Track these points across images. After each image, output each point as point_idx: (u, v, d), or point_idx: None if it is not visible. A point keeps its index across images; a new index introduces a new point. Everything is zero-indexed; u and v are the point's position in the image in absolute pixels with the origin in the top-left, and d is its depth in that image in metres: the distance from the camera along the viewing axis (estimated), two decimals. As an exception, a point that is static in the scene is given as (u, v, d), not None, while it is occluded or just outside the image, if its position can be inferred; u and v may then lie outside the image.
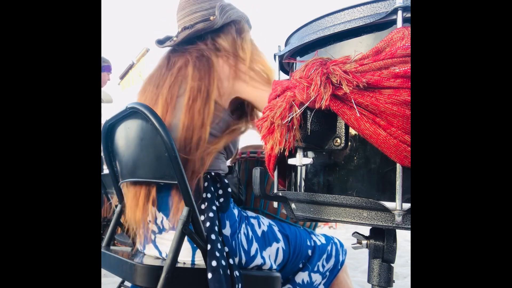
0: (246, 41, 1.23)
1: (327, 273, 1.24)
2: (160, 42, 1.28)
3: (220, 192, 1.10)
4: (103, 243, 1.25)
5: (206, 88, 1.09)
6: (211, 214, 1.03)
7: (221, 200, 1.10)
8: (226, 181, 1.12)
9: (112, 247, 1.24)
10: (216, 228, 1.02)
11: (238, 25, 1.26)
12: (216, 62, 1.13)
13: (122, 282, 1.80)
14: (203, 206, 1.04)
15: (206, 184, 1.08)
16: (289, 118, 0.60)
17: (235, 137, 1.19)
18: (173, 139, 0.94)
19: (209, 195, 1.06)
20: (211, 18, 1.20)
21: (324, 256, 1.23)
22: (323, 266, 1.23)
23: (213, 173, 1.11)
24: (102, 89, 3.02)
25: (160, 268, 0.94)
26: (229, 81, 1.13)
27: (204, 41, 1.20)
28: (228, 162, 1.29)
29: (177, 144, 1.05)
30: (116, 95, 3.37)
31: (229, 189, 1.12)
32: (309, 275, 1.20)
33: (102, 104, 3.08)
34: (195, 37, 1.21)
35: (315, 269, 1.21)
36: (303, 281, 1.20)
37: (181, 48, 1.21)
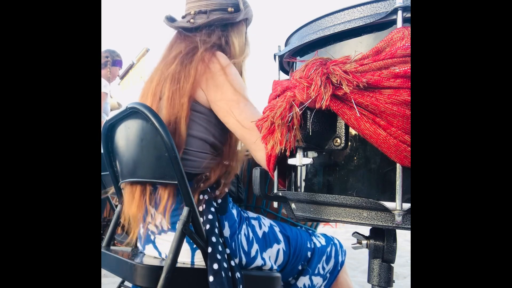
0: (248, 48, 1.21)
1: (328, 275, 1.24)
2: (171, 20, 1.21)
3: (217, 193, 1.08)
4: (103, 243, 1.25)
5: (183, 81, 1.05)
6: (210, 216, 1.02)
7: (219, 201, 1.08)
8: (222, 181, 1.10)
9: (112, 247, 1.24)
10: (216, 230, 1.01)
11: (247, 25, 1.22)
12: (200, 57, 1.07)
13: (122, 282, 1.79)
14: (200, 208, 1.03)
15: (201, 185, 1.06)
16: (289, 118, 0.60)
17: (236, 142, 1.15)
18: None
19: (206, 197, 1.05)
20: (229, 9, 1.15)
21: (324, 258, 1.22)
22: (323, 268, 1.22)
23: (208, 174, 1.10)
24: (108, 98, 3.03)
25: (160, 268, 0.94)
26: (206, 81, 1.06)
27: (212, 31, 1.14)
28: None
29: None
30: (116, 95, 3.37)
31: (226, 189, 1.10)
32: (310, 279, 1.20)
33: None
34: (206, 26, 1.14)
35: (316, 271, 1.20)
36: (304, 285, 1.19)
37: (185, 35, 1.16)
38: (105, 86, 2.96)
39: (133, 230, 1.13)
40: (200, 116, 1.08)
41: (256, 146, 1.00)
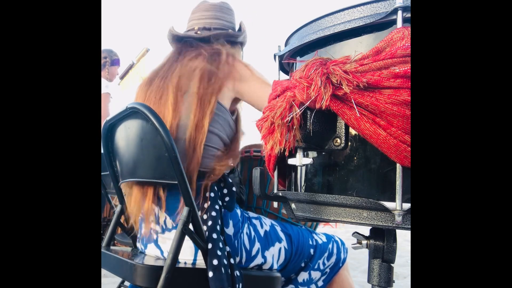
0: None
1: (327, 270, 1.25)
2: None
3: (225, 191, 1.11)
4: (103, 243, 1.25)
5: (214, 81, 1.13)
6: (213, 213, 1.03)
7: (227, 199, 1.11)
8: (230, 180, 1.13)
9: (112, 247, 1.24)
10: (218, 227, 1.02)
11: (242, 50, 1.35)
12: (225, 61, 1.17)
13: (122, 282, 1.80)
14: (206, 205, 1.05)
15: (208, 183, 1.08)
16: (289, 118, 0.60)
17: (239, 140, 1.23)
18: (185, 129, 0.97)
19: (212, 194, 1.07)
20: (230, 31, 1.29)
21: (326, 255, 1.24)
22: (324, 264, 1.24)
23: (214, 172, 1.11)
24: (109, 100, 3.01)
25: (160, 268, 0.94)
26: (234, 82, 1.16)
27: (222, 43, 1.25)
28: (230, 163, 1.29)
29: (188, 133, 1.08)
30: (116, 95, 3.36)
31: (234, 188, 1.13)
32: (309, 273, 1.21)
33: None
34: (214, 38, 1.27)
35: (316, 267, 1.22)
36: (304, 280, 1.21)
37: (195, 44, 1.25)
38: (107, 87, 2.95)
39: (140, 227, 1.16)
40: (218, 114, 1.13)
41: None
